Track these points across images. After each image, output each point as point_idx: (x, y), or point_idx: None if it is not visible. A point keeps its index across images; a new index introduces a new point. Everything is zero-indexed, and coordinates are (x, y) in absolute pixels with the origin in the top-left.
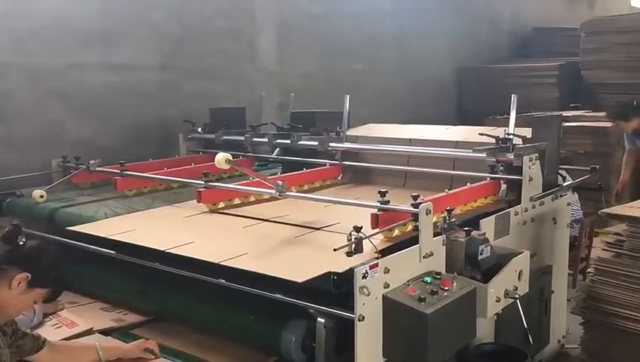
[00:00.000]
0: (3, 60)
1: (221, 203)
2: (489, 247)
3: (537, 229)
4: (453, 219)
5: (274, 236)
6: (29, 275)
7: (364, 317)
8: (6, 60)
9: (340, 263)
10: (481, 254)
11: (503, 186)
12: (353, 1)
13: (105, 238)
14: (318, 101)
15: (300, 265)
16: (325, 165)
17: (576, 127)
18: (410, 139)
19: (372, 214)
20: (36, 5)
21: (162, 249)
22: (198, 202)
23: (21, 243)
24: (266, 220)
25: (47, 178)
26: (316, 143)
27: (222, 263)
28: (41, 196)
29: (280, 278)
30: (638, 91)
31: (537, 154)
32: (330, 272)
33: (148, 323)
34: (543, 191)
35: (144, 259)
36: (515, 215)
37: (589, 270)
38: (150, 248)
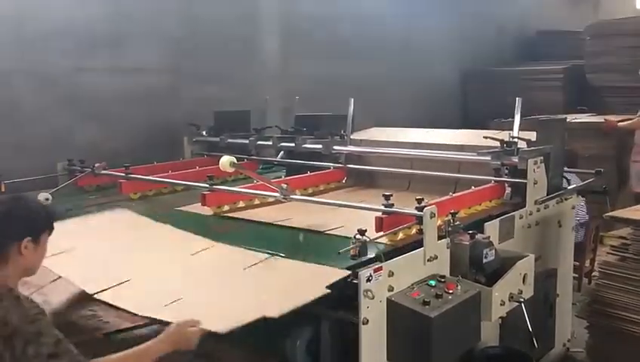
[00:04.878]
0: (11, 64)
1: (226, 206)
2: (493, 251)
3: (542, 232)
4: (458, 223)
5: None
6: (30, 237)
7: (368, 321)
8: (14, 64)
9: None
10: (485, 257)
11: (508, 189)
12: (358, 5)
13: None
14: (323, 104)
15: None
16: (329, 168)
17: (581, 130)
18: (414, 143)
19: (376, 217)
20: (44, 10)
21: None
22: (203, 205)
23: None
24: (270, 223)
25: (52, 181)
26: (320, 146)
27: None
28: (47, 199)
29: None
30: None
31: (542, 158)
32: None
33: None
34: (547, 195)
35: None
36: (520, 218)
37: (594, 273)
38: None
